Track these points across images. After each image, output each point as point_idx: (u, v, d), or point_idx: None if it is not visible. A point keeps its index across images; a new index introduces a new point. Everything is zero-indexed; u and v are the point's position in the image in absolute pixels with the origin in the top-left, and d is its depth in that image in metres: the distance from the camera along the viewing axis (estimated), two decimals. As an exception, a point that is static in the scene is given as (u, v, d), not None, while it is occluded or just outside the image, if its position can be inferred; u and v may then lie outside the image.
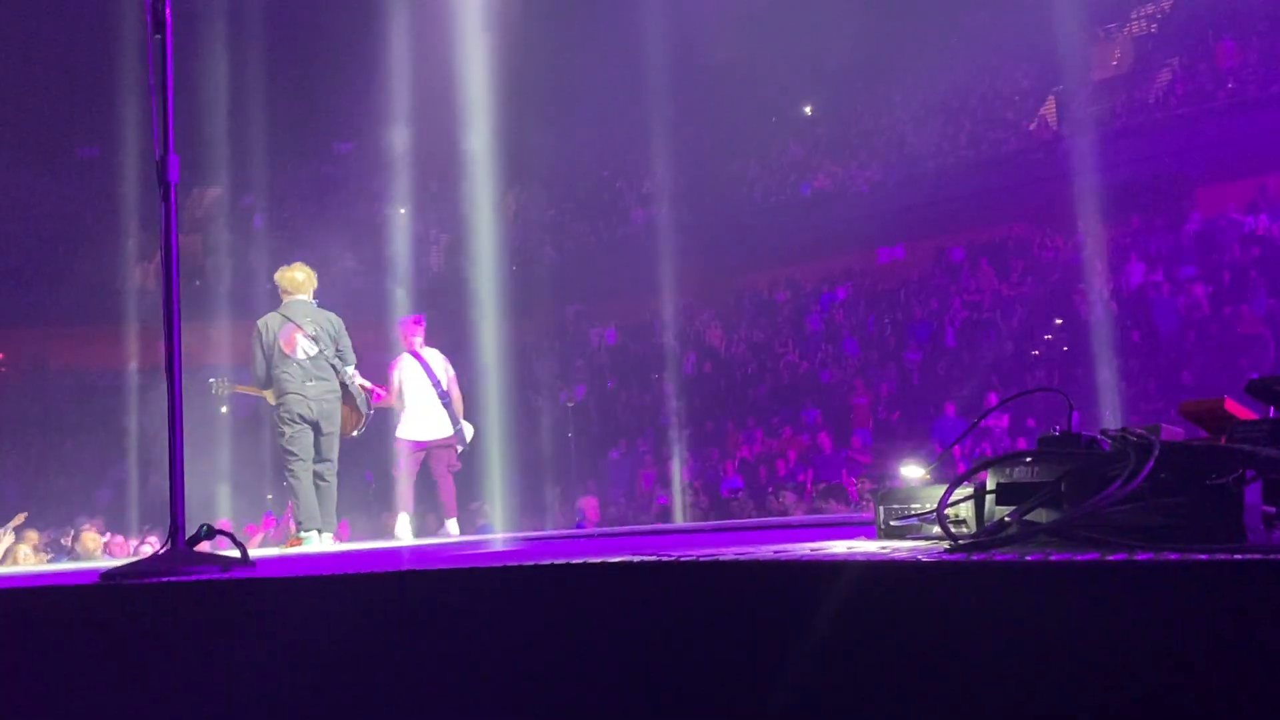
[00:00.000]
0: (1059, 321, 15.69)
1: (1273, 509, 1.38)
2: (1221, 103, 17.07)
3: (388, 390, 9.02)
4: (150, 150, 3.22)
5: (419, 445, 9.14)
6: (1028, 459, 1.70)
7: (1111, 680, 1.27)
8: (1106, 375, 13.95)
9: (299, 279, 7.77)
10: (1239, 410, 1.61)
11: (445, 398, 9.16)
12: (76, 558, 11.13)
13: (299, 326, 7.58)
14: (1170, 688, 1.22)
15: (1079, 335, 15.14)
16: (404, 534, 8.95)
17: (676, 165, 21.82)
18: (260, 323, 7.67)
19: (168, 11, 3.20)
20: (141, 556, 3.82)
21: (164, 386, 3.18)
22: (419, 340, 9.33)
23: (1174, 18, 18.83)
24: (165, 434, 3.16)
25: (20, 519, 11.66)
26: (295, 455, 7.48)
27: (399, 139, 19.63)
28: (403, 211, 23.52)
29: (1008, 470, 1.78)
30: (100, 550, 11.55)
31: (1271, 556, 1.17)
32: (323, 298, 8.00)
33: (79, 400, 20.22)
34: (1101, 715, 1.27)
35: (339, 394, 7.70)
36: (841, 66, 21.35)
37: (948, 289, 17.74)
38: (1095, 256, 15.84)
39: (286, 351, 7.51)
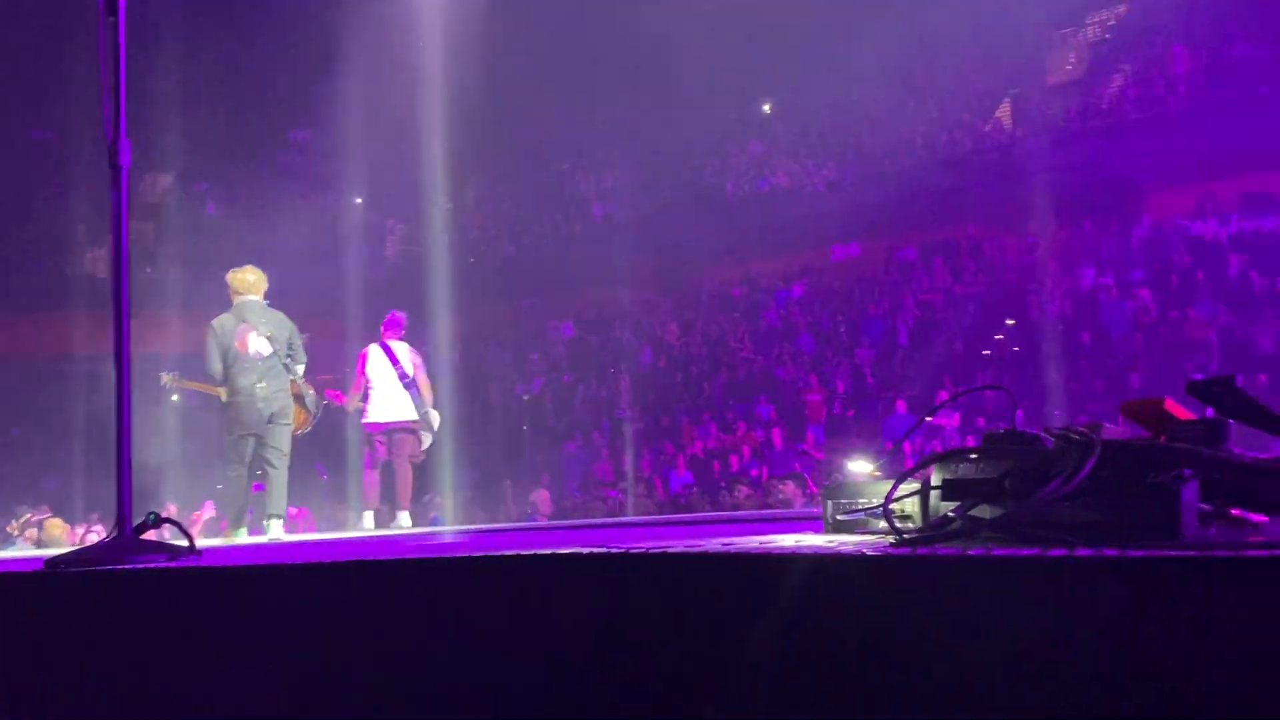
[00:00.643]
0: (1010, 322, 15.87)
1: (1209, 507, 1.41)
2: (1173, 109, 17.33)
3: (348, 394, 9.33)
4: (103, 134, 3.18)
5: (381, 427, 9.31)
6: (973, 455, 1.73)
7: (1050, 673, 1.30)
8: (1056, 375, 14.15)
9: (250, 280, 7.84)
10: (1179, 410, 1.64)
11: (406, 380, 9.36)
12: (42, 545, 10.98)
13: (253, 327, 7.66)
14: (1106, 682, 1.25)
15: (1030, 335, 15.34)
16: (369, 528, 9.11)
17: (636, 160, 21.83)
18: (216, 322, 7.73)
19: (121, -7, 3.16)
20: (88, 544, 3.78)
21: (113, 374, 3.15)
22: (393, 335, 9.56)
23: (1128, 24, 19.08)
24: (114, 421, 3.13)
25: None
26: (233, 461, 7.67)
27: (356, 128, 19.49)
28: (358, 201, 23.37)
29: (953, 466, 1.81)
30: (66, 537, 11.39)
31: (1205, 554, 1.20)
32: (275, 286, 8.03)
33: (26, 387, 19.92)
34: (1039, 708, 1.30)
35: (289, 392, 7.82)
36: (801, 65, 21.45)
37: (901, 287, 17.90)
38: (1047, 258, 16.05)
39: (241, 351, 7.59)
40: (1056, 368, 14.04)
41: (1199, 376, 1.78)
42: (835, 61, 19.47)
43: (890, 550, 1.60)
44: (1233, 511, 1.38)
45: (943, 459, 1.84)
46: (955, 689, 1.40)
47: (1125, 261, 15.89)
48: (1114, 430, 1.63)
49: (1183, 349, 13.48)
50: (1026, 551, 1.40)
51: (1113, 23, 19.56)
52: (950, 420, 13.17)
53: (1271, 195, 15.87)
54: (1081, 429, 1.51)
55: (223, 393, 7.68)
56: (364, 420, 9.44)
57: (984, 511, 1.67)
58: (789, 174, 21.08)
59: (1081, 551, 1.30)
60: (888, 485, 1.98)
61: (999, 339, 15.77)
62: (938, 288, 17.46)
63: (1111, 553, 1.26)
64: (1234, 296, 14.18)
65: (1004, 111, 19.32)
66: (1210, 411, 1.65)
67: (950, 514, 1.69)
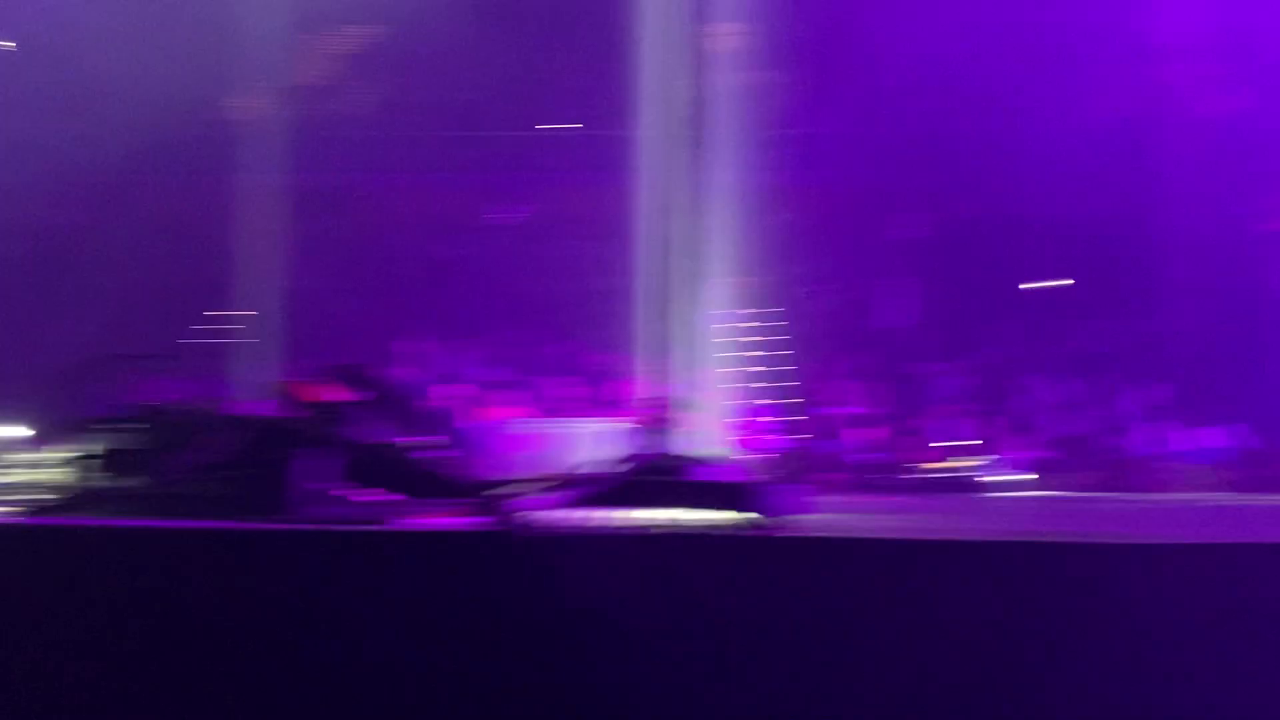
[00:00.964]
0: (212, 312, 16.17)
1: (326, 485, 1.55)
2: (411, 130, 18.83)
3: None
4: None
5: None
6: (116, 426, 1.74)
7: (144, 634, 1.33)
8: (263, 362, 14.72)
9: None
10: (321, 393, 1.77)
11: None
12: None
13: None
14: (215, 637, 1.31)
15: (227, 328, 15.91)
16: None
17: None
18: None
19: None
20: None
21: None
22: None
23: (379, 43, 19.98)
24: None
25: None
26: None
27: None
28: None
29: (106, 436, 1.80)
30: None
31: (302, 527, 1.31)
32: None
33: None
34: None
35: None
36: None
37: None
38: (272, 252, 16.53)
39: None
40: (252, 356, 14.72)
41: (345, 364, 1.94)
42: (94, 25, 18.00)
43: (16, 520, 1.55)
44: (340, 491, 1.53)
45: (93, 429, 1.83)
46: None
47: (334, 261, 17.06)
48: (264, 408, 1.72)
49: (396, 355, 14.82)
50: (157, 523, 1.43)
51: (362, 38, 20.35)
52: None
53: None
54: (218, 404, 1.58)
55: None
56: None
57: (126, 481, 1.68)
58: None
59: (199, 523, 1.35)
60: (38, 455, 1.93)
61: (199, 328, 16.41)
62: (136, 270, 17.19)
63: (227, 525, 1.32)
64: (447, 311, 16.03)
65: (244, 104, 19.14)
66: (358, 396, 1.80)
67: (82, 485, 1.67)
